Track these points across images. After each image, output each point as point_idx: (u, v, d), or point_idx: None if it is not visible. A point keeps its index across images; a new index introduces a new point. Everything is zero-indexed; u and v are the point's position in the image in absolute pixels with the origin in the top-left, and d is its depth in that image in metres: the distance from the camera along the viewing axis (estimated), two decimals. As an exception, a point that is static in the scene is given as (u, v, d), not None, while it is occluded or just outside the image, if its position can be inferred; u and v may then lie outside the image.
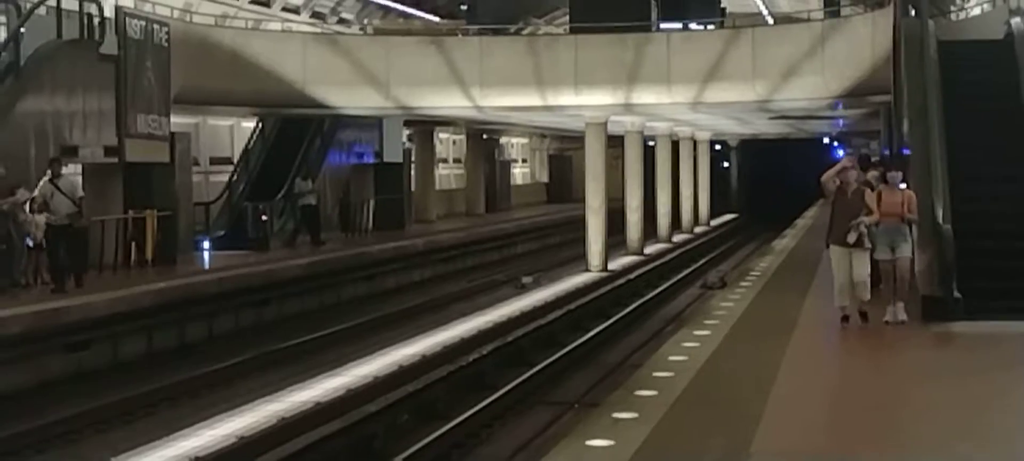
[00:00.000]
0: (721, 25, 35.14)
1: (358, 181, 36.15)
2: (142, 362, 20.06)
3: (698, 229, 47.51)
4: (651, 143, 41.38)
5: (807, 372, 13.23)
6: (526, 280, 31.09)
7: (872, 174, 17.06)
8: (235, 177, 32.71)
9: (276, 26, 35.66)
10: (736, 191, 62.33)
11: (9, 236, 20.09)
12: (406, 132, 40.65)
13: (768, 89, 28.75)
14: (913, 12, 20.09)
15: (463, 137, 49.51)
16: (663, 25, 33.77)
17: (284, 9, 39.09)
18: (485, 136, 49.59)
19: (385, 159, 37.07)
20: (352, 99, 29.64)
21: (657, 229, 40.58)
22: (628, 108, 30.56)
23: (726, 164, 62.02)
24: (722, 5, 38.09)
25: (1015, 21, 20.53)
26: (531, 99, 29.73)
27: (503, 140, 54.87)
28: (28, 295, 19.70)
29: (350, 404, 14.99)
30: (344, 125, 34.55)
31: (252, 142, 33.61)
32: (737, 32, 30.18)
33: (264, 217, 30.03)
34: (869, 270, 15.24)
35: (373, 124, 35.97)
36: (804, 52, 28.18)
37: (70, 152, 22.86)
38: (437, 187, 45.08)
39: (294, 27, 36.92)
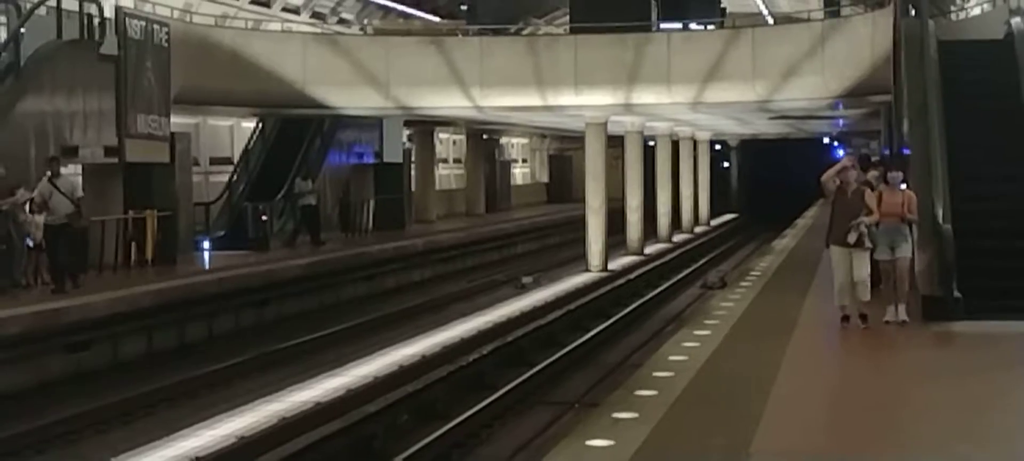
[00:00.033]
0: (721, 25, 35.13)
1: (358, 181, 36.15)
2: (142, 362, 20.05)
3: (698, 229, 47.51)
4: (651, 143, 41.38)
5: (807, 372, 13.23)
6: (526, 280, 31.09)
7: (872, 174, 17.05)
8: (235, 177, 32.71)
9: (276, 26, 35.65)
10: (736, 191, 62.31)
11: (9, 236, 20.09)
12: (406, 132, 40.65)
13: (768, 89, 28.74)
14: (913, 12, 20.09)
15: (463, 137, 49.51)
16: (663, 25, 33.77)
17: (284, 9, 39.09)
18: (485, 136, 49.59)
19: (385, 159, 37.07)
20: (352, 99, 29.64)
21: (657, 229, 40.58)
22: (628, 108, 30.56)
23: (726, 164, 62.00)
24: (722, 5, 38.09)
25: (1015, 21, 20.53)
26: (531, 99, 29.73)
27: (503, 140, 54.87)
28: (28, 295, 19.68)
29: (350, 404, 14.99)
30: (344, 125, 34.56)
31: (252, 142, 33.62)
32: (737, 32, 30.18)
33: (264, 217, 30.03)
34: (869, 270, 15.23)
35: (373, 124, 35.97)
36: (804, 52, 28.18)
37: (70, 152, 22.87)
38: (437, 187, 45.07)
39: (294, 27, 36.92)
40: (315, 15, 41.19)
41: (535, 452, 13.70)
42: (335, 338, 22.60)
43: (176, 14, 29.75)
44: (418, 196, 41.95)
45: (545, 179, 64.58)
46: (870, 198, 15.28)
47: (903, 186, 15.76)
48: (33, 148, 21.97)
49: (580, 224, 33.06)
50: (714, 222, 51.95)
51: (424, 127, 41.50)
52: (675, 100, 29.49)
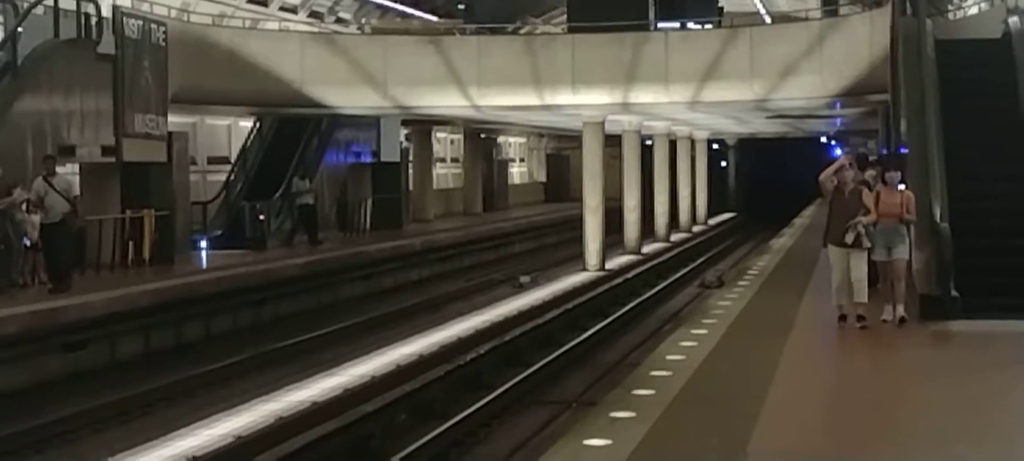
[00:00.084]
0: (719, 24, 35.12)
1: (356, 180, 36.14)
2: (139, 362, 20.04)
3: (696, 228, 47.50)
4: (649, 142, 41.35)
5: (804, 371, 13.23)
6: (524, 279, 31.09)
7: (869, 173, 17.05)
8: (233, 176, 32.71)
9: (274, 26, 35.65)
10: (734, 190, 62.29)
11: (6, 236, 20.06)
12: (404, 131, 40.65)
13: (766, 88, 28.74)
14: (911, 11, 20.10)
15: (461, 136, 49.49)
16: (661, 24, 33.75)
17: (282, 8, 39.09)
18: (483, 135, 49.58)
19: (383, 158, 37.08)
20: (350, 98, 29.63)
21: (655, 228, 40.56)
22: (626, 107, 30.55)
23: (724, 163, 62.00)
24: (720, 4, 38.08)
25: (1012, 20, 20.55)
26: (529, 98, 29.72)
27: (501, 139, 54.87)
28: (25, 295, 19.68)
29: (347, 404, 14.98)
30: (342, 124, 34.55)
31: (250, 141, 33.61)
32: (735, 31, 30.16)
33: (261, 216, 30.02)
34: (866, 270, 15.23)
35: (371, 123, 35.98)
36: (802, 51, 28.17)
37: (67, 152, 22.87)
38: (435, 186, 45.05)
39: (292, 26, 36.93)
40: (313, 14, 41.18)
41: (532, 451, 13.70)
42: (332, 338, 22.58)
43: (173, 13, 29.75)
44: (416, 195, 41.96)
45: (543, 178, 64.57)
46: (867, 198, 15.27)
47: (901, 187, 15.76)
48: (30, 147, 21.95)
49: (577, 223, 33.07)
50: (712, 221, 51.96)
51: (422, 126, 41.50)
52: (673, 99, 29.48)
